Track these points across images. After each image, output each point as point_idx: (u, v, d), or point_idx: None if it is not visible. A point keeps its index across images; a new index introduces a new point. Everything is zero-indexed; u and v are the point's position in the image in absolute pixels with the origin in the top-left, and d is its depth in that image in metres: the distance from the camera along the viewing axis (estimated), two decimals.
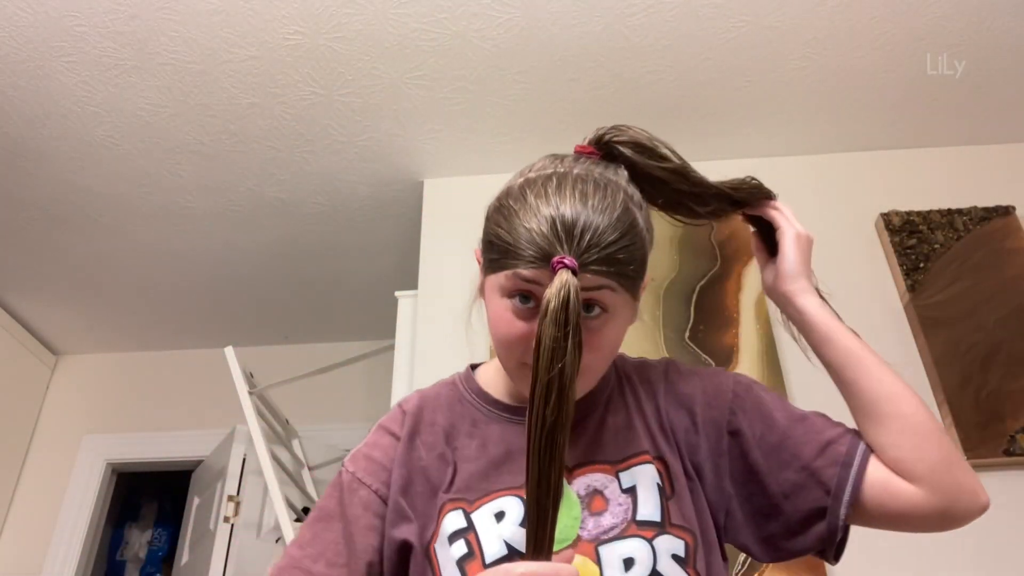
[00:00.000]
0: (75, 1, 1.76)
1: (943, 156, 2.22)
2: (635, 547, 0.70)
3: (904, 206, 2.09)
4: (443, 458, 0.79)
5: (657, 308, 1.99)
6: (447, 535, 0.73)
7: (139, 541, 3.74)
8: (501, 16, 1.82)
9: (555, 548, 0.63)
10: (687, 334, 1.94)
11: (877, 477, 0.75)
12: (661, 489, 0.75)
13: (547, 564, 0.60)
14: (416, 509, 0.77)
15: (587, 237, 0.66)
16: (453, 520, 0.74)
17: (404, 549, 0.77)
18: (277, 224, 2.50)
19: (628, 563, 0.70)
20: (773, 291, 0.86)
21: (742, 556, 1.66)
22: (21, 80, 1.95)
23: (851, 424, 0.81)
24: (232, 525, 2.52)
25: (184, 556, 2.81)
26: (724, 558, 0.79)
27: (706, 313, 1.97)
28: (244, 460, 2.64)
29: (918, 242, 2.02)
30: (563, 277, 0.63)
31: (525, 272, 0.67)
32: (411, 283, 2.16)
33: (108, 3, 1.77)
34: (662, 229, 2.09)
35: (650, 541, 0.71)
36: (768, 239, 0.88)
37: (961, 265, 1.97)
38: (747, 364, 1.87)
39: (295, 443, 2.68)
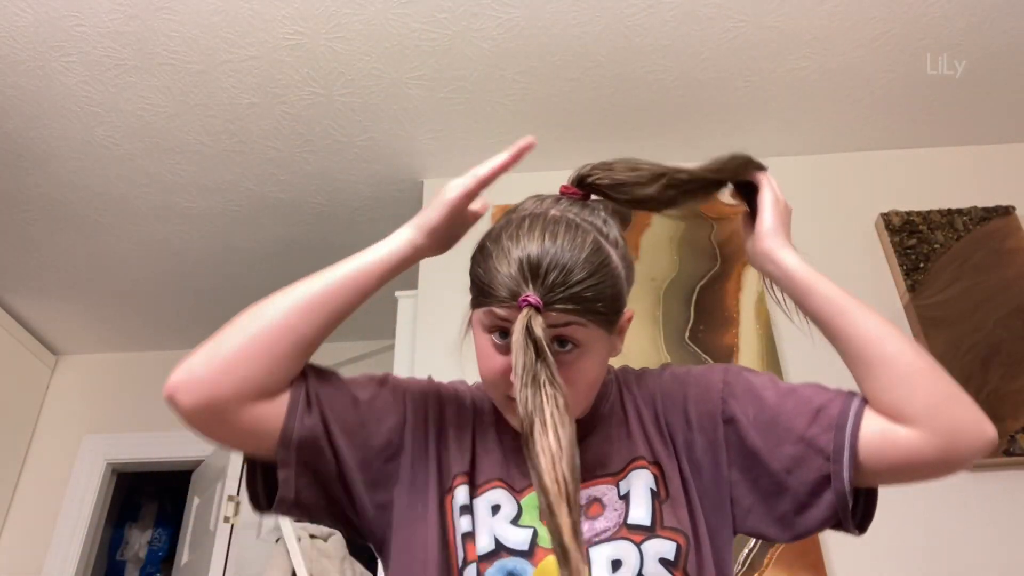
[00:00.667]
0: (75, 1, 1.76)
1: (943, 156, 2.22)
2: (623, 549, 0.72)
3: (904, 206, 2.09)
4: (463, 436, 0.84)
5: (657, 308, 1.99)
6: (459, 505, 0.77)
7: (139, 541, 3.74)
8: (501, 16, 1.82)
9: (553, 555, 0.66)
10: (687, 334, 1.94)
11: (874, 430, 0.74)
12: (655, 493, 0.77)
13: None
14: (440, 458, 0.81)
15: (552, 276, 0.70)
16: (462, 494, 0.78)
17: (393, 451, 0.80)
18: (277, 224, 2.50)
19: (615, 564, 0.72)
20: (754, 254, 0.87)
21: (742, 557, 1.66)
22: (21, 80, 1.95)
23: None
24: (232, 525, 2.52)
25: (184, 556, 2.81)
26: (726, 555, 0.79)
27: (706, 313, 1.97)
28: (244, 460, 2.63)
29: (918, 242, 2.02)
30: (526, 313, 0.68)
31: (499, 311, 0.72)
32: (411, 283, 2.16)
33: (108, 3, 1.77)
34: (662, 229, 2.10)
35: (638, 545, 0.73)
36: (755, 213, 0.89)
37: (961, 265, 1.97)
38: (747, 364, 1.87)
39: None
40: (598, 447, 0.81)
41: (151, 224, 2.48)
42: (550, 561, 0.71)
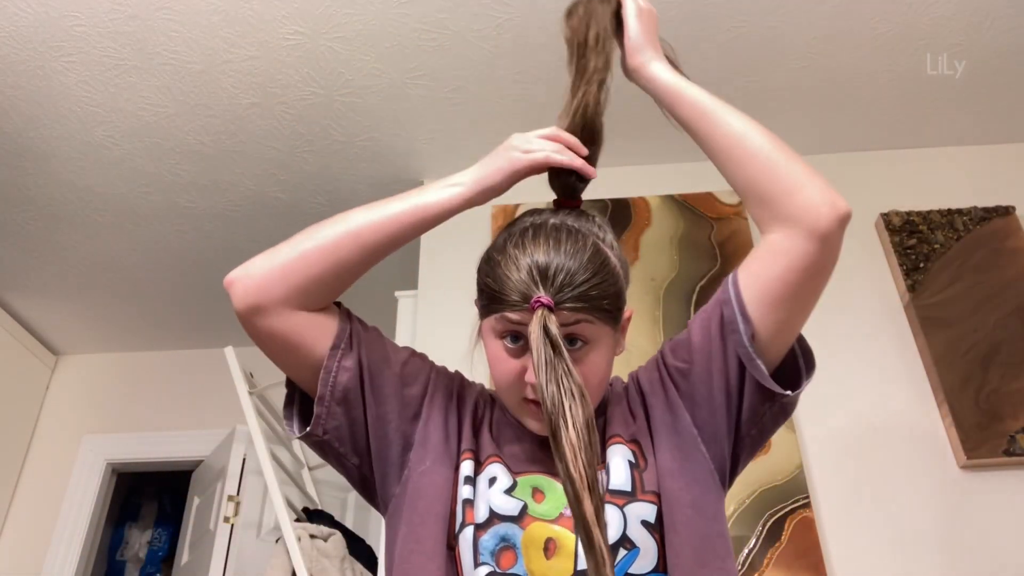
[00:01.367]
0: (75, 1, 1.76)
1: (943, 156, 2.22)
2: (608, 513, 0.77)
3: (904, 206, 2.09)
4: (474, 422, 0.89)
5: (657, 308, 1.99)
6: (463, 475, 0.82)
7: (139, 541, 3.73)
8: (501, 16, 1.82)
9: (541, 522, 0.77)
10: None
11: (749, 270, 0.80)
12: (633, 464, 0.82)
13: None
14: (452, 432, 0.86)
15: (560, 278, 0.76)
16: (467, 467, 0.83)
17: (413, 413, 0.86)
18: (277, 224, 2.50)
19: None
20: (627, 71, 0.91)
21: (742, 557, 1.66)
22: (21, 80, 1.95)
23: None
24: (232, 525, 2.52)
25: (184, 556, 2.81)
26: (713, 511, 0.82)
27: None
28: (244, 460, 2.63)
29: (918, 242, 2.02)
30: (540, 313, 0.73)
31: (511, 315, 0.77)
32: (411, 283, 2.16)
33: (108, 3, 1.77)
34: (663, 229, 2.10)
35: (621, 508, 0.78)
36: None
37: (961, 265, 1.97)
38: None
39: (295, 443, 2.68)
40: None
41: (151, 224, 2.48)
42: (536, 527, 0.77)
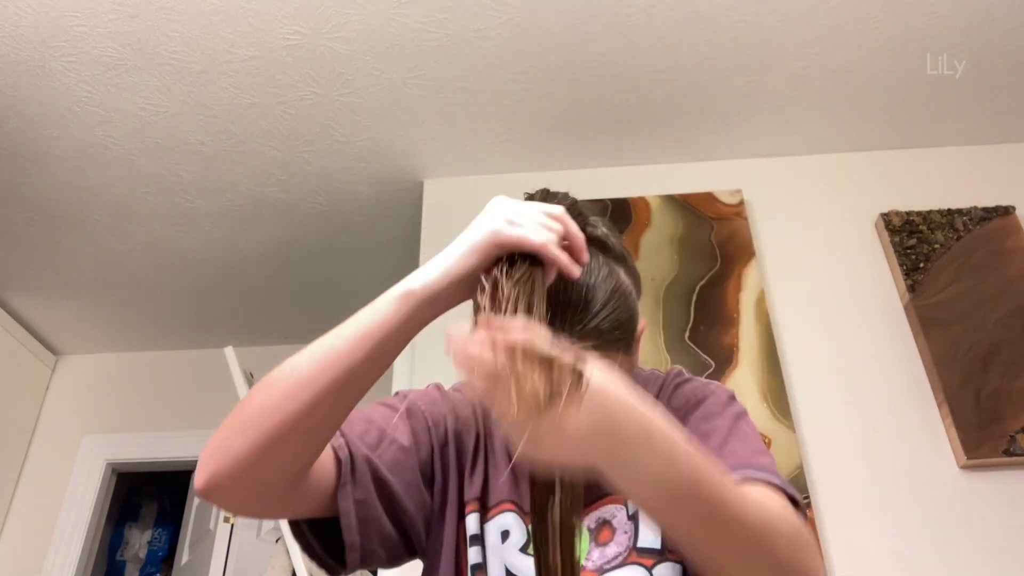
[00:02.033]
0: (75, 1, 1.76)
1: (943, 156, 2.22)
2: (634, 575, 0.72)
3: (904, 206, 2.09)
4: (476, 458, 0.83)
5: (657, 308, 1.99)
6: (469, 535, 0.77)
7: (139, 541, 3.73)
8: (501, 16, 1.82)
9: None
10: (687, 334, 1.94)
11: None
12: None
13: None
14: (457, 485, 0.80)
15: (569, 314, 0.70)
16: (472, 523, 0.77)
17: (427, 481, 0.79)
18: (277, 224, 2.49)
19: None
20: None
21: None
22: (21, 80, 1.95)
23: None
24: (232, 525, 2.52)
25: (184, 556, 2.81)
26: None
27: (706, 313, 1.97)
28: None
29: (918, 242, 2.02)
30: None
31: None
32: None
33: (108, 3, 1.77)
34: (663, 230, 2.10)
35: (649, 569, 0.72)
36: None
37: (961, 265, 1.97)
38: (747, 364, 1.87)
39: None
40: None
41: (151, 224, 2.48)
42: None
